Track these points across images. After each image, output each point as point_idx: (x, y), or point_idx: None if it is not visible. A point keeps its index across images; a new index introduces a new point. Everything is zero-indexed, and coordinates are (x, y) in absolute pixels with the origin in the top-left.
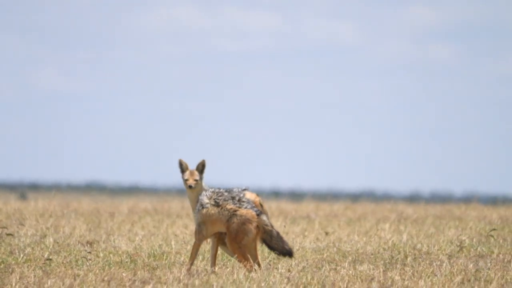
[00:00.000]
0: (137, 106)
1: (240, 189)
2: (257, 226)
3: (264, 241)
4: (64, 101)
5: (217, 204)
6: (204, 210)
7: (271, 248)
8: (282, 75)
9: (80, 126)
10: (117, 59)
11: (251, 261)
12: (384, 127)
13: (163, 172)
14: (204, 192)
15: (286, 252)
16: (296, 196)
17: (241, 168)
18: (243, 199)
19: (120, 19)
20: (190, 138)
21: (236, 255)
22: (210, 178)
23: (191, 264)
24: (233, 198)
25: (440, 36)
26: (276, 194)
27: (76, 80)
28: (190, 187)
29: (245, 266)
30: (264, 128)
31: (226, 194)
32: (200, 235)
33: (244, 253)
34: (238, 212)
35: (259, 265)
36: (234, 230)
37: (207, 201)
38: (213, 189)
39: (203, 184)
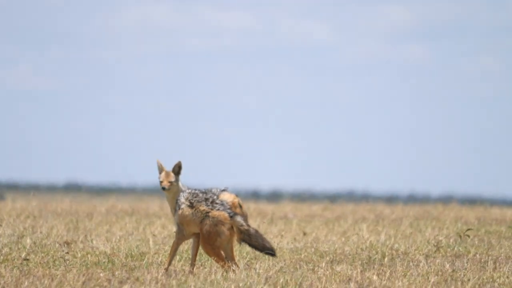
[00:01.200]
0: (113, 105)
1: (219, 190)
2: (231, 228)
3: (243, 241)
4: (41, 100)
5: (191, 205)
6: (180, 211)
7: (252, 246)
8: (258, 75)
9: (58, 125)
10: (92, 58)
11: (228, 260)
12: (362, 127)
13: (142, 172)
14: (182, 193)
15: (267, 249)
16: (275, 196)
17: (220, 169)
18: (217, 201)
19: (93, 17)
20: (169, 138)
21: (211, 256)
22: (189, 179)
23: (169, 263)
24: (206, 199)
25: (415, 36)
26: (255, 195)
27: (51, 79)
28: (163, 188)
29: (222, 266)
30: (242, 129)
31: (200, 195)
32: (180, 235)
33: (219, 254)
34: (210, 214)
35: (236, 266)
36: (207, 231)
37: (183, 201)
38: (190, 190)
39: (181, 184)
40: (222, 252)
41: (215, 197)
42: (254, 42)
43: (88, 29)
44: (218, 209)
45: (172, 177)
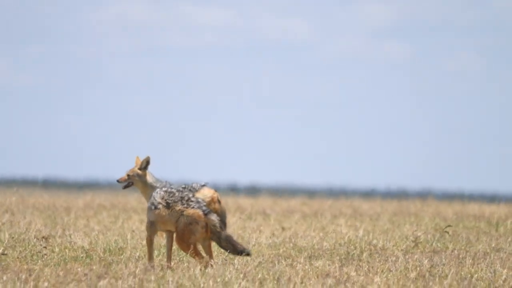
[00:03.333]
0: (91, 101)
1: (199, 185)
2: (205, 225)
3: (214, 240)
4: (20, 96)
5: (167, 206)
6: (156, 211)
7: (222, 248)
8: (237, 71)
9: (36, 120)
10: (69, 53)
11: (202, 255)
12: (340, 123)
13: (120, 167)
14: (158, 191)
15: (238, 252)
16: (253, 191)
17: (198, 163)
18: (192, 199)
19: (71, 12)
20: (147, 133)
21: (186, 252)
22: (169, 174)
23: (151, 257)
24: (182, 198)
25: (396, 33)
26: (233, 189)
27: (30, 75)
28: (118, 181)
29: (199, 262)
30: (221, 124)
31: (177, 194)
32: (152, 230)
33: (194, 249)
34: (185, 213)
35: (213, 261)
36: (181, 230)
37: (159, 201)
38: (166, 188)
39: (155, 179)
40: (199, 247)
41: (190, 195)
42: (234, 39)
43: (68, 24)
44: (193, 207)
45: (134, 172)
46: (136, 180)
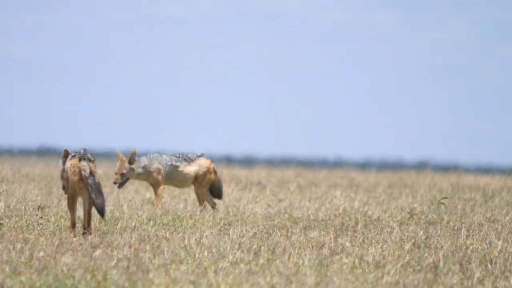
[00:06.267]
0: (86, 70)
1: (195, 155)
2: (79, 172)
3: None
4: (11, 64)
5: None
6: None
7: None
8: (230, 41)
9: (31, 90)
10: (69, 22)
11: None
12: (335, 94)
13: (114, 137)
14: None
15: (96, 204)
16: (248, 162)
17: (193, 135)
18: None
19: None
20: (142, 103)
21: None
22: (164, 145)
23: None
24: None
25: (386, 3)
26: (228, 160)
27: (25, 43)
28: (114, 183)
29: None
30: (215, 95)
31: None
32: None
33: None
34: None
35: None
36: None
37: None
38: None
39: (140, 164)
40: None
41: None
42: (228, 9)
43: None
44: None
45: (125, 168)
46: (130, 174)
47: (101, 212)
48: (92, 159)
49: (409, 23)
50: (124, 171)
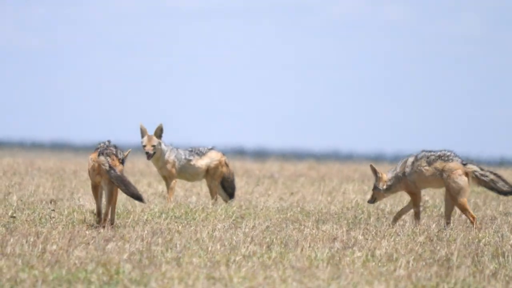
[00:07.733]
0: (100, 64)
1: (207, 148)
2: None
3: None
4: (24, 57)
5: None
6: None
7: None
8: (243, 33)
9: (45, 83)
10: (75, 15)
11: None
12: (348, 87)
13: (128, 130)
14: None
15: (131, 194)
16: (260, 155)
17: (206, 127)
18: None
19: None
20: (154, 96)
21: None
22: (175, 138)
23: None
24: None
25: None
26: (241, 154)
27: (37, 37)
28: (147, 153)
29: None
30: (229, 87)
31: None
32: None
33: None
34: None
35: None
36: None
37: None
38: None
39: (164, 145)
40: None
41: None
42: (238, 1)
43: None
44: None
45: (155, 141)
46: (158, 149)
47: (137, 198)
48: (114, 152)
49: (418, 15)
50: (155, 144)
